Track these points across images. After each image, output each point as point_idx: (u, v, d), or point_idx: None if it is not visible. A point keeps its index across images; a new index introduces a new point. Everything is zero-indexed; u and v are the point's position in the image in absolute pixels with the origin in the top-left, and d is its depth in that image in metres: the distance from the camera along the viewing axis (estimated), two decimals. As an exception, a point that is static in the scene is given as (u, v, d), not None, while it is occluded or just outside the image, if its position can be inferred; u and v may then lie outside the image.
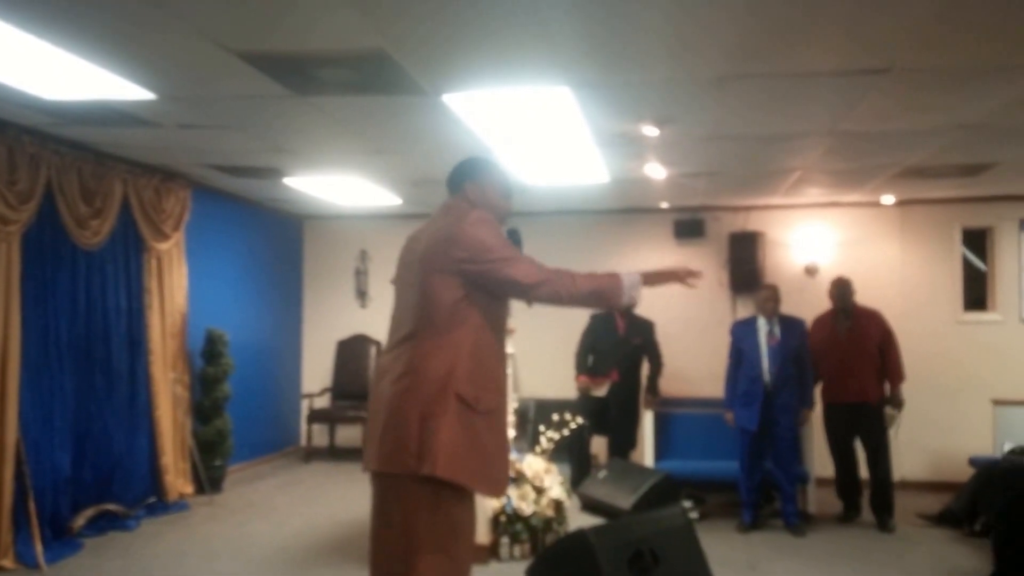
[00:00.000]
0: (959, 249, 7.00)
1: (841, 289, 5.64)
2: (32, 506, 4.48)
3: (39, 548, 4.42)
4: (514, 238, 2.65)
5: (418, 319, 2.39)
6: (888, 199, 6.88)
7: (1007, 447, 5.62)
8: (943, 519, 5.41)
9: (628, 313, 6.16)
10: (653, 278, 2.59)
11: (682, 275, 2.62)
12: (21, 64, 3.47)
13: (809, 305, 6.22)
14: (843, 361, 5.53)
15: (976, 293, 7.04)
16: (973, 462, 5.80)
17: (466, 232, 2.38)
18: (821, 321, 5.76)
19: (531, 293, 2.41)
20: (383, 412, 2.38)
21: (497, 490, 2.48)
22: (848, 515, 5.68)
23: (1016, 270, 6.85)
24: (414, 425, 2.30)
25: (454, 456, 2.29)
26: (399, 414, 2.33)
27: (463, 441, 2.31)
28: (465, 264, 2.36)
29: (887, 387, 5.58)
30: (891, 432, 5.66)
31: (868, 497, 5.63)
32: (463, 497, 2.39)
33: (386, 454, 2.35)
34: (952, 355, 6.76)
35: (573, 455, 5.99)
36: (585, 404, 6.01)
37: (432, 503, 2.30)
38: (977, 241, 7.07)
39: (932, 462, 6.71)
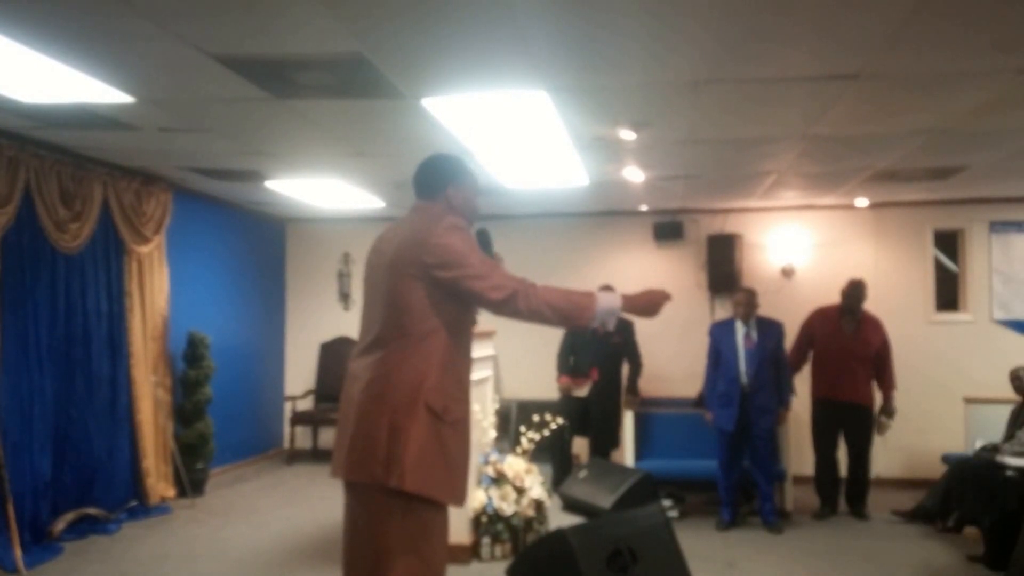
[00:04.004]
0: (931, 251, 7.14)
1: (856, 291, 5.74)
2: (11, 510, 4.45)
3: (18, 552, 4.40)
4: (484, 239, 2.62)
5: (388, 324, 2.36)
6: (862, 202, 7.00)
7: (978, 444, 5.71)
8: (917, 515, 5.52)
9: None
10: (633, 303, 2.44)
11: (661, 298, 2.47)
12: (-1, 68, 3.47)
13: (786, 306, 6.33)
14: (844, 361, 5.66)
15: (948, 294, 7.17)
16: (946, 459, 5.91)
17: (438, 238, 2.34)
18: (826, 314, 5.84)
19: (499, 310, 2.36)
20: (352, 420, 2.37)
21: (460, 500, 2.44)
22: (825, 511, 5.78)
23: (986, 271, 6.99)
24: (382, 435, 2.28)
25: (422, 468, 2.27)
26: (368, 423, 2.32)
27: (431, 453, 2.30)
28: (435, 271, 2.33)
29: (876, 394, 5.74)
30: (882, 438, 5.83)
31: (844, 492, 5.80)
32: (434, 502, 2.36)
33: (354, 463, 2.33)
34: (925, 355, 6.88)
35: (554, 455, 6.04)
36: (567, 404, 6.07)
37: (403, 510, 2.29)
38: (949, 243, 7.21)
39: (906, 460, 6.83)
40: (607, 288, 2.46)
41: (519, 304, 2.32)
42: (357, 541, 2.39)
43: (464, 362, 2.49)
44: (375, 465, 2.28)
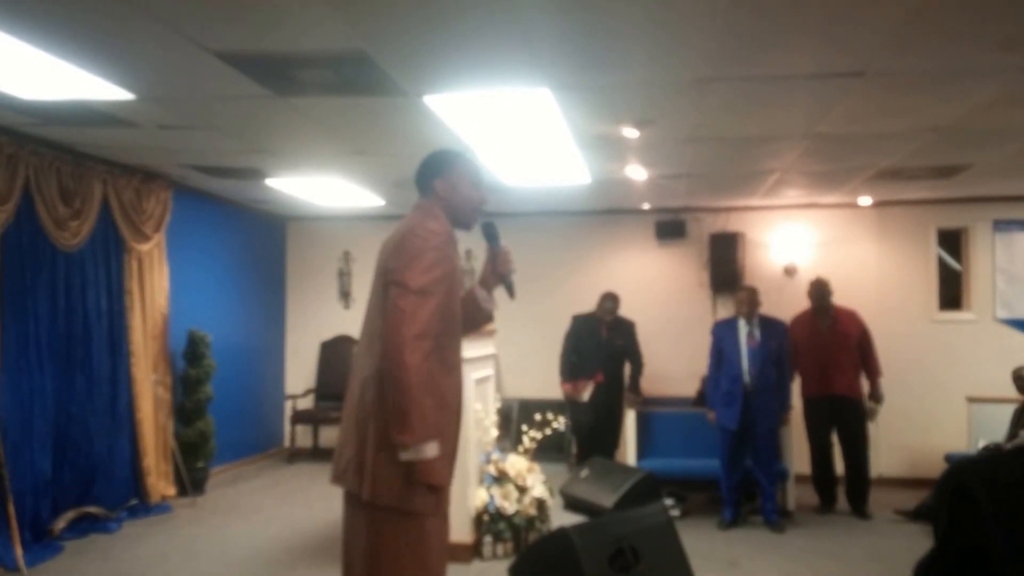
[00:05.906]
0: (934, 249, 7.12)
1: (820, 289, 5.86)
2: (12, 509, 4.44)
3: (19, 551, 4.39)
4: (490, 232, 2.57)
5: (378, 329, 2.32)
6: (865, 200, 6.98)
7: (981, 444, 5.70)
8: (919, 515, 5.51)
9: (610, 314, 6.23)
10: (423, 467, 2.24)
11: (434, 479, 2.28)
12: (-1, 64, 3.46)
13: (788, 305, 6.31)
14: (825, 357, 5.72)
15: (951, 292, 7.16)
16: (948, 459, 5.89)
17: (407, 242, 2.31)
18: (801, 320, 5.93)
19: (390, 334, 2.18)
20: (343, 426, 2.39)
21: (439, 510, 2.40)
22: (825, 507, 5.82)
23: (990, 270, 6.97)
24: (365, 446, 2.28)
25: (397, 484, 2.25)
26: (352, 431, 2.33)
27: (408, 467, 2.25)
28: (391, 273, 2.28)
29: (864, 383, 5.79)
30: (872, 424, 5.85)
31: (845, 490, 5.80)
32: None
33: (340, 470, 2.35)
34: (928, 354, 6.88)
35: (579, 435, 6.21)
36: (575, 412, 6.17)
37: (397, 516, 2.28)
38: (952, 241, 7.19)
39: (909, 459, 6.81)
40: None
41: (406, 349, 2.15)
42: (354, 543, 2.37)
43: (451, 370, 2.40)
44: (354, 475, 2.29)
